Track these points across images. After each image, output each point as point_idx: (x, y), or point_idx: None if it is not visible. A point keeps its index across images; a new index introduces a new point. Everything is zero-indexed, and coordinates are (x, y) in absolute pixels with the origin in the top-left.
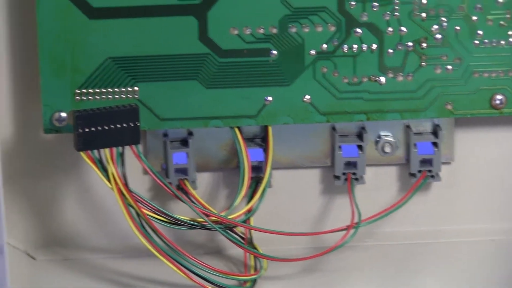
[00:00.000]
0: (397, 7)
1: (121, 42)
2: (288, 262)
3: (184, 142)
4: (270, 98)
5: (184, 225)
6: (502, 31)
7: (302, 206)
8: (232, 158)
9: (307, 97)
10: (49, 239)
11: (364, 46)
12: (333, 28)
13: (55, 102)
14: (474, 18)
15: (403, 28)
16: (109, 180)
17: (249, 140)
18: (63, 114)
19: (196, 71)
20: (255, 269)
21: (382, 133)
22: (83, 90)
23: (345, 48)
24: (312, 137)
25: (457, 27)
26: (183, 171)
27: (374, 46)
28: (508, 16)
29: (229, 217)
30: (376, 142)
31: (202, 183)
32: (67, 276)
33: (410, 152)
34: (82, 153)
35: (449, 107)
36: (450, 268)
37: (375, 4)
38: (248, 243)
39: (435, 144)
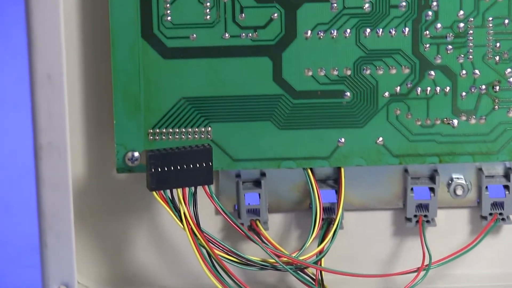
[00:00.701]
0: (471, 50)
1: (195, 82)
2: None
3: (257, 183)
4: (343, 140)
5: (255, 266)
6: None
7: (373, 248)
8: (304, 199)
9: (380, 139)
10: (119, 279)
11: (438, 89)
12: (407, 71)
13: (128, 142)
14: None
15: (477, 71)
16: (181, 220)
17: (321, 181)
18: (136, 154)
19: (270, 112)
20: None
21: (454, 176)
22: (157, 130)
23: (419, 90)
24: (384, 179)
25: None
26: (255, 211)
27: (448, 89)
28: None
29: (300, 258)
30: (448, 185)
31: (274, 224)
32: None
33: (482, 195)
34: (154, 193)
35: None
36: None
37: (449, 47)
38: (318, 285)
39: (506, 187)
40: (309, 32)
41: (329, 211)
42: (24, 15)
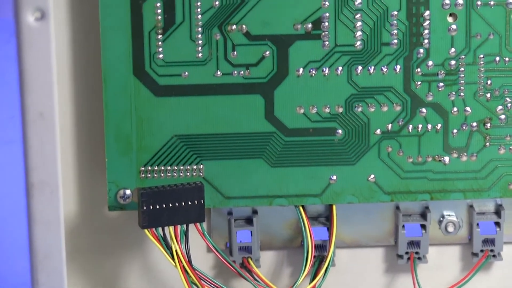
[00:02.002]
0: (462, 87)
1: (187, 120)
2: None
3: (249, 221)
4: (334, 177)
5: None
6: None
7: (365, 285)
8: (296, 236)
9: (372, 176)
10: None
11: (429, 126)
12: (398, 108)
13: (120, 179)
14: None
15: (468, 108)
16: (173, 258)
17: (313, 218)
18: (128, 192)
19: (262, 150)
20: None
21: (445, 213)
22: (149, 168)
23: (410, 127)
24: (376, 216)
25: None
26: (247, 249)
27: (439, 126)
28: None
29: None
30: (439, 222)
31: (266, 262)
32: None
33: (473, 232)
34: (146, 231)
35: None
36: None
37: (441, 84)
38: None
39: (497, 224)
40: (301, 69)
41: (321, 248)
42: (16, 53)
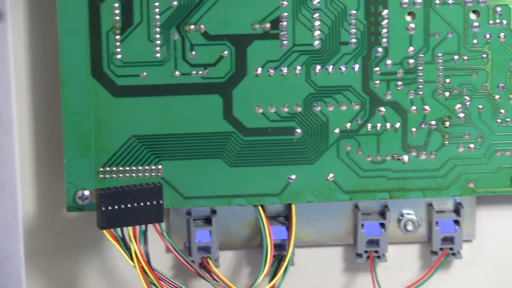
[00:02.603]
0: (421, 86)
1: (146, 120)
2: None
3: (208, 220)
4: (293, 177)
5: None
6: None
7: (324, 284)
8: (255, 236)
9: (331, 175)
10: None
11: (388, 125)
12: (357, 107)
13: (78, 180)
14: (497, 97)
15: (427, 107)
16: (131, 259)
17: (272, 218)
18: (87, 192)
19: (220, 150)
20: None
21: (404, 211)
22: (107, 168)
23: (369, 126)
24: (335, 215)
25: (480, 106)
26: (206, 249)
27: (398, 125)
28: None
29: None
30: (399, 220)
31: (225, 261)
32: None
33: (432, 230)
34: (105, 232)
35: (471, 185)
36: None
37: (399, 83)
38: None
39: (457, 222)
40: (259, 69)
41: (280, 247)
42: None
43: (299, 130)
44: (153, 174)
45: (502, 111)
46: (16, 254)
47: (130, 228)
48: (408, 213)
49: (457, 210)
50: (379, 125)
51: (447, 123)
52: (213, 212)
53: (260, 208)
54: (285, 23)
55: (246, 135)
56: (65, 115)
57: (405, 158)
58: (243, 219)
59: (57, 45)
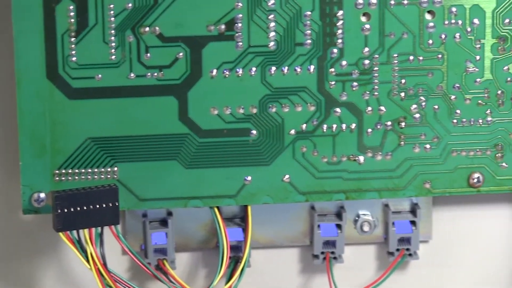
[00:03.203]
0: (376, 87)
1: (101, 122)
2: None
3: (163, 222)
4: (249, 178)
5: None
6: (480, 110)
7: (281, 286)
8: (211, 238)
9: (287, 176)
10: None
11: (344, 126)
12: (312, 108)
13: (34, 183)
14: (453, 97)
15: (382, 108)
16: (88, 261)
17: (228, 219)
18: (42, 195)
19: (176, 151)
20: None
21: (360, 212)
22: (63, 171)
23: (325, 127)
24: (291, 217)
25: (436, 106)
26: (162, 251)
27: (353, 126)
28: (486, 95)
29: None
30: (355, 221)
31: (181, 263)
32: None
33: (389, 231)
34: (61, 234)
35: (427, 186)
36: None
37: (355, 84)
38: None
39: (413, 222)
40: (215, 71)
41: (236, 249)
42: None
43: (254, 132)
44: (109, 176)
45: (458, 111)
46: None
47: (86, 231)
48: (364, 214)
49: (413, 210)
50: (334, 126)
51: (403, 124)
52: (169, 214)
53: (216, 209)
54: (240, 24)
55: (202, 136)
56: (20, 117)
57: (361, 159)
58: (199, 221)
59: (13, 47)
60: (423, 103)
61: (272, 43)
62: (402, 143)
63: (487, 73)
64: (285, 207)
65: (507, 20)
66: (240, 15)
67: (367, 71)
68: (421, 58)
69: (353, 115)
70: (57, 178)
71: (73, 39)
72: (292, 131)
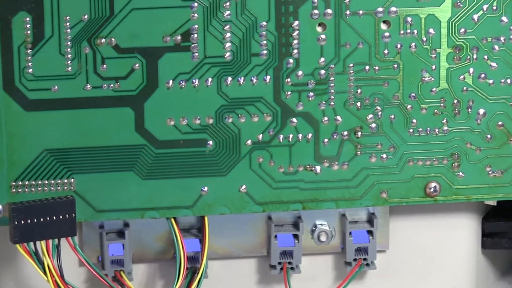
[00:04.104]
0: (332, 97)
1: (58, 134)
2: None
3: (120, 234)
4: (206, 189)
5: None
6: (436, 120)
7: None
8: (168, 249)
9: (243, 187)
10: None
11: (300, 136)
12: (269, 118)
13: None
14: (409, 106)
15: (339, 117)
16: (45, 273)
17: (185, 230)
18: None
19: (133, 162)
20: None
21: (318, 222)
22: (20, 183)
23: (281, 137)
24: (248, 227)
25: (392, 116)
26: (119, 262)
27: (310, 136)
28: (442, 105)
29: None
30: (312, 231)
31: (138, 274)
32: None
33: (346, 241)
34: (18, 246)
35: (384, 195)
36: None
37: (311, 94)
38: None
39: (370, 232)
40: (171, 81)
41: (194, 260)
42: None
43: (211, 142)
44: (66, 187)
45: (414, 120)
46: None
47: (43, 242)
48: (321, 224)
49: (370, 220)
50: (291, 136)
51: (359, 133)
52: (126, 225)
53: (173, 220)
54: (196, 35)
55: (158, 147)
56: None
57: (318, 168)
58: (156, 232)
59: None
60: (379, 113)
61: (228, 54)
62: (359, 152)
63: (443, 82)
64: (242, 218)
65: (462, 30)
66: (196, 26)
67: (323, 81)
68: (377, 67)
69: (310, 125)
70: (14, 190)
71: (29, 51)
72: (249, 142)
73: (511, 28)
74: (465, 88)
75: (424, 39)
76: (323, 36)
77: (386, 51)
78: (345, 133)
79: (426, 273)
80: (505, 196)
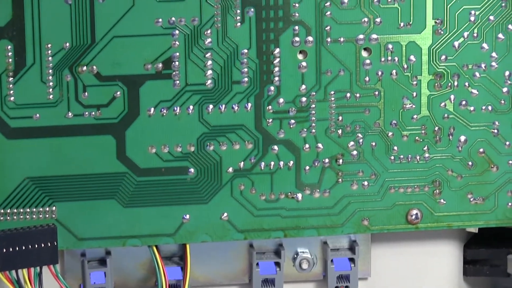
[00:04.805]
0: (314, 124)
1: (39, 161)
2: None
3: (102, 261)
4: (187, 216)
5: None
6: (417, 147)
7: None
8: (150, 276)
9: (225, 214)
10: None
11: (281, 163)
12: (250, 146)
13: None
14: (390, 134)
15: (320, 145)
16: None
17: (167, 258)
18: None
19: (114, 190)
20: None
21: (299, 250)
22: (1, 211)
23: (262, 165)
24: (230, 255)
25: (373, 143)
26: None
27: (291, 163)
28: (423, 132)
29: None
30: (294, 259)
31: None
32: None
33: (328, 268)
34: (0, 274)
35: (365, 222)
36: None
37: (292, 121)
38: None
39: (352, 260)
40: (152, 109)
41: None
42: None
43: (192, 170)
44: (47, 215)
45: (395, 148)
46: None
47: (25, 270)
48: (303, 252)
49: (352, 247)
50: (272, 163)
51: (341, 161)
52: (108, 253)
53: (154, 248)
54: (177, 63)
55: (140, 175)
56: None
57: (299, 196)
58: (138, 260)
59: None
60: (361, 140)
61: (209, 81)
62: (340, 180)
63: (424, 109)
64: (223, 245)
65: (443, 57)
66: (177, 54)
67: (304, 109)
68: (358, 95)
69: (291, 153)
70: None
71: (11, 78)
72: (230, 169)
73: (492, 55)
74: (446, 115)
75: (405, 66)
76: (304, 64)
77: (367, 78)
78: (327, 160)
79: None
80: (486, 223)
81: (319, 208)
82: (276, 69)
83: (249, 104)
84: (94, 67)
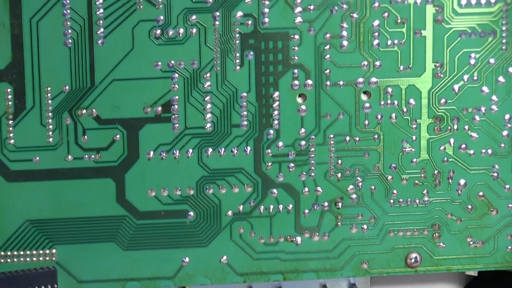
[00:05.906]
0: (313, 168)
1: (39, 204)
2: None
3: None
4: (187, 260)
5: None
6: (417, 190)
7: None
8: None
9: (224, 257)
10: None
11: (281, 207)
12: (249, 189)
13: None
14: (389, 177)
15: (319, 188)
16: None
17: None
18: None
19: (114, 233)
20: None
21: None
22: (1, 253)
23: (262, 208)
24: None
25: (373, 187)
26: None
27: (290, 207)
28: (422, 175)
29: None
30: None
31: None
32: None
33: None
34: None
35: (364, 266)
36: None
37: (291, 165)
38: None
39: None
40: (152, 152)
41: None
42: None
43: (192, 213)
44: (47, 258)
45: (395, 191)
46: None
47: None
48: None
49: None
50: (271, 207)
51: (340, 204)
52: None
53: None
54: (176, 106)
55: (139, 218)
56: None
57: (298, 239)
58: None
59: None
60: (360, 184)
61: (208, 125)
62: (339, 223)
63: (423, 153)
64: None
65: (443, 100)
66: (177, 97)
67: (304, 152)
68: (357, 138)
69: (290, 196)
70: None
71: (10, 122)
72: (229, 212)
73: (492, 98)
74: (445, 158)
75: (405, 109)
76: (303, 107)
77: (366, 122)
78: (326, 204)
79: None
80: (486, 267)
81: (319, 251)
82: (276, 112)
83: (249, 148)
84: (94, 110)
